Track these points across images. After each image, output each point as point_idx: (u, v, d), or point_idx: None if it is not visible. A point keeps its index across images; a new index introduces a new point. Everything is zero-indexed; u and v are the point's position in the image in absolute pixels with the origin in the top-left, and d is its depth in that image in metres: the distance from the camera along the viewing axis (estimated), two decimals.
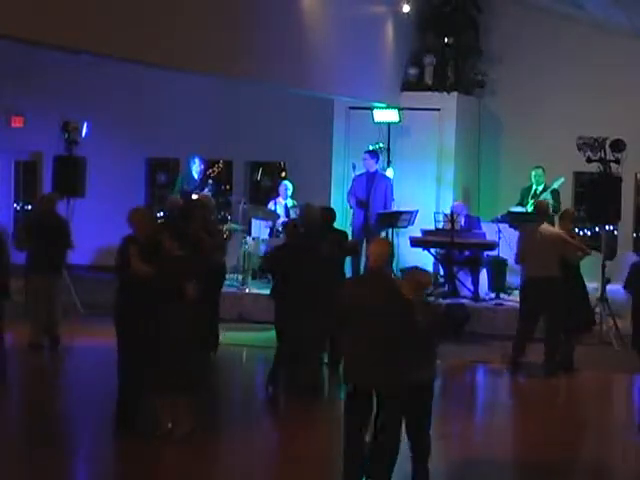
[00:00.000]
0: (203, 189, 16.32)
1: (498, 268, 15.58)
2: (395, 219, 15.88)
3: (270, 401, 11.02)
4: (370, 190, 16.03)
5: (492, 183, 17.87)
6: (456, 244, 15.47)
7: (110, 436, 9.29)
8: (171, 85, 18.56)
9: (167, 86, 18.70)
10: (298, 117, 18.42)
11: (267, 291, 12.08)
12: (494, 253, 15.51)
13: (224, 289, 13.34)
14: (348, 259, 15.63)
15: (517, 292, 13.50)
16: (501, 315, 14.69)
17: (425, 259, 15.46)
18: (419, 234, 15.86)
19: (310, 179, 17.90)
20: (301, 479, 8.49)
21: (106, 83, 19.31)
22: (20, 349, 12.77)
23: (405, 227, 16.07)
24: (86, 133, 15.91)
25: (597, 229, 16.58)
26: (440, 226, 15.79)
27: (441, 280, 15.95)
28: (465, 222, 15.85)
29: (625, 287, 10.92)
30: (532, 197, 16.04)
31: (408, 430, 7.97)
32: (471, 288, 15.54)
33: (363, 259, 13.55)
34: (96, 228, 17.96)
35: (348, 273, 14.33)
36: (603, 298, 14.26)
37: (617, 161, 14.34)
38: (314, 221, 11.63)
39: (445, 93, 17.21)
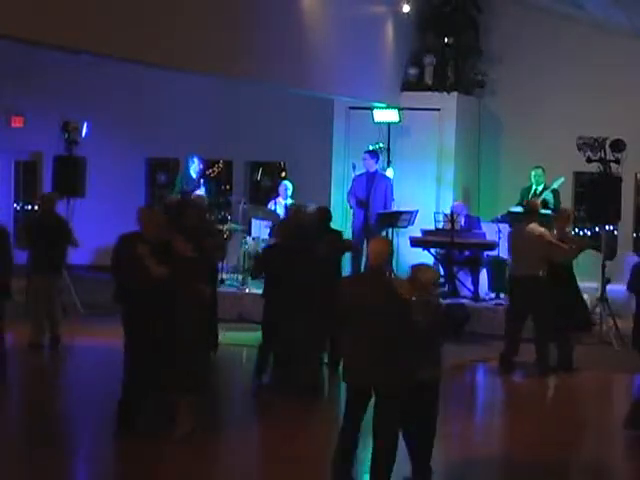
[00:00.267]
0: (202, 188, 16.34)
1: (498, 268, 15.57)
2: (395, 219, 15.88)
3: (257, 398, 11.08)
4: (370, 190, 16.03)
5: (492, 183, 17.87)
6: (456, 244, 15.47)
7: (110, 436, 9.28)
8: (171, 85, 18.57)
9: (167, 86, 18.71)
10: (298, 117, 18.43)
11: None
12: (494, 253, 15.50)
13: (224, 289, 13.35)
14: (348, 259, 15.67)
15: None
16: (501, 315, 14.62)
17: (425, 259, 15.45)
18: (419, 234, 15.86)
19: (310, 179, 17.91)
20: (301, 479, 8.50)
21: (106, 83, 19.32)
22: (20, 349, 12.77)
23: (405, 227, 16.07)
24: (86, 133, 15.90)
25: (597, 229, 16.58)
26: (440, 226, 15.79)
27: (441, 280, 15.94)
28: (465, 222, 15.85)
29: (628, 288, 10.91)
30: (532, 197, 16.03)
31: (409, 431, 7.97)
32: (471, 288, 15.55)
33: (363, 259, 13.56)
34: (96, 228, 17.94)
35: (347, 273, 14.34)
36: (603, 298, 14.27)
37: (617, 161, 14.34)
38: (302, 222, 11.59)
39: (445, 93, 17.22)
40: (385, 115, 16.75)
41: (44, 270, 12.91)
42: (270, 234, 15.25)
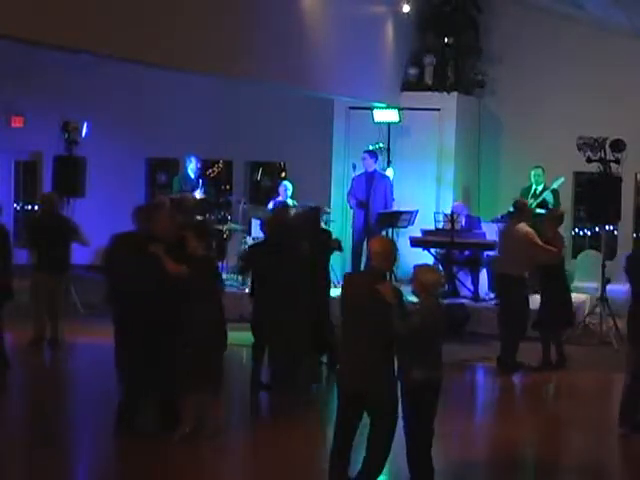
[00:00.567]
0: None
1: None
2: (395, 219, 15.88)
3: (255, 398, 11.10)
4: (370, 190, 16.03)
5: (492, 183, 17.87)
6: (456, 244, 15.47)
7: (110, 436, 9.28)
8: (171, 85, 18.57)
9: (167, 86, 18.71)
10: (298, 117, 18.43)
11: None
12: (494, 253, 15.49)
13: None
14: (348, 259, 15.67)
15: None
16: None
17: (425, 259, 15.45)
18: (419, 234, 15.86)
19: (310, 179, 17.91)
20: (300, 479, 8.49)
21: (106, 83, 19.32)
22: (20, 349, 12.77)
23: (405, 227, 16.07)
24: (86, 133, 15.90)
25: (597, 229, 16.58)
26: (440, 226, 15.79)
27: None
28: (465, 222, 15.85)
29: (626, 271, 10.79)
30: (532, 197, 16.03)
31: (408, 431, 7.93)
32: (471, 288, 15.55)
33: (364, 259, 13.56)
34: (96, 228, 17.89)
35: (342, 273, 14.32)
36: (603, 298, 14.27)
37: (617, 161, 14.34)
38: (286, 220, 11.55)
39: (445, 93, 17.22)
40: (385, 115, 16.75)
41: (46, 269, 12.93)
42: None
